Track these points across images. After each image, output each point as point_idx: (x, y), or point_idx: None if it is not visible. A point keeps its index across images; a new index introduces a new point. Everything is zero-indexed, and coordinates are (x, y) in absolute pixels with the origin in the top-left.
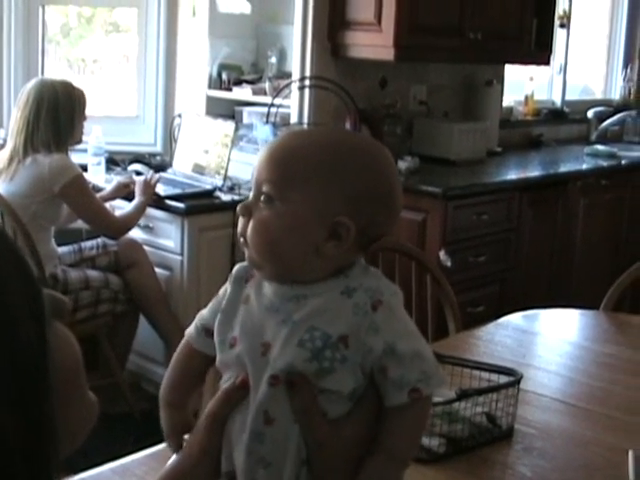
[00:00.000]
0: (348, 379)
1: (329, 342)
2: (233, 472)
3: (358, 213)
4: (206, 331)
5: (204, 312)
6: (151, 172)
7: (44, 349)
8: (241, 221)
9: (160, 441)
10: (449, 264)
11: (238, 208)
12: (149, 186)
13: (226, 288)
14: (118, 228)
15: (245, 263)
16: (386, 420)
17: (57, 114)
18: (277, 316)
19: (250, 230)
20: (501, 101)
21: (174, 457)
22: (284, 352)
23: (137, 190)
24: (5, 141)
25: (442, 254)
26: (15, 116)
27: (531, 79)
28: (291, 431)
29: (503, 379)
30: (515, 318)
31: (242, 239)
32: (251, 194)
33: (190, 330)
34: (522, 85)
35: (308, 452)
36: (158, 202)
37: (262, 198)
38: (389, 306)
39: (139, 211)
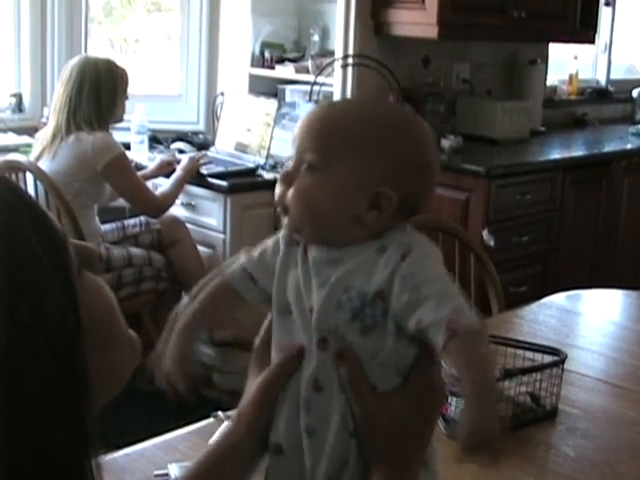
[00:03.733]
0: (392, 333)
1: (366, 300)
2: (280, 445)
3: (399, 184)
4: (250, 277)
5: (253, 258)
6: (203, 152)
7: (73, 301)
8: (280, 188)
9: (202, 418)
10: (492, 243)
11: (279, 176)
12: (195, 164)
13: (277, 242)
14: (158, 207)
15: (284, 228)
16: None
17: (99, 92)
18: (317, 279)
19: (291, 197)
20: (545, 80)
21: (221, 430)
22: (326, 315)
23: (180, 165)
24: (48, 119)
25: (485, 233)
26: (58, 93)
27: (575, 58)
28: (338, 400)
29: (547, 359)
30: (558, 298)
31: (280, 207)
32: (291, 162)
33: (233, 269)
34: (566, 64)
35: (355, 424)
36: (201, 180)
37: (304, 166)
38: (418, 255)
39: (177, 187)
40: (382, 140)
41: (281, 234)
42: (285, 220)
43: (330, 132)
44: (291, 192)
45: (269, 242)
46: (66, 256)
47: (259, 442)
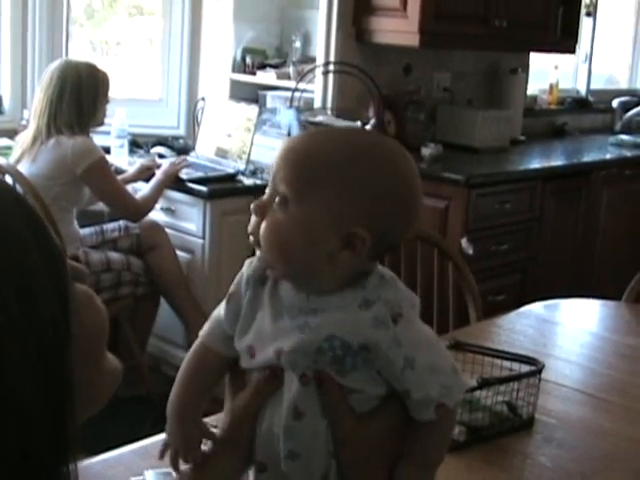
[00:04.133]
0: (372, 378)
1: (350, 350)
2: (264, 463)
3: (374, 223)
4: (222, 332)
5: (220, 314)
6: (182, 156)
7: (65, 309)
8: (253, 219)
9: None
10: (471, 252)
11: (252, 206)
12: (174, 168)
13: (238, 285)
14: (138, 211)
15: (257, 262)
16: (415, 430)
17: (80, 96)
18: (291, 323)
19: (263, 231)
20: (525, 89)
21: (204, 449)
22: (303, 357)
23: (160, 169)
24: (28, 122)
25: (464, 242)
26: (38, 97)
27: (556, 67)
28: (320, 426)
29: (524, 368)
30: (536, 307)
31: (253, 238)
32: (267, 192)
33: (207, 331)
34: (547, 73)
35: (335, 446)
36: (180, 185)
37: (277, 199)
38: (409, 318)
39: (157, 192)
40: (357, 177)
41: (245, 275)
42: (258, 251)
43: (304, 166)
44: (263, 226)
45: (232, 289)
46: (62, 265)
47: (242, 461)
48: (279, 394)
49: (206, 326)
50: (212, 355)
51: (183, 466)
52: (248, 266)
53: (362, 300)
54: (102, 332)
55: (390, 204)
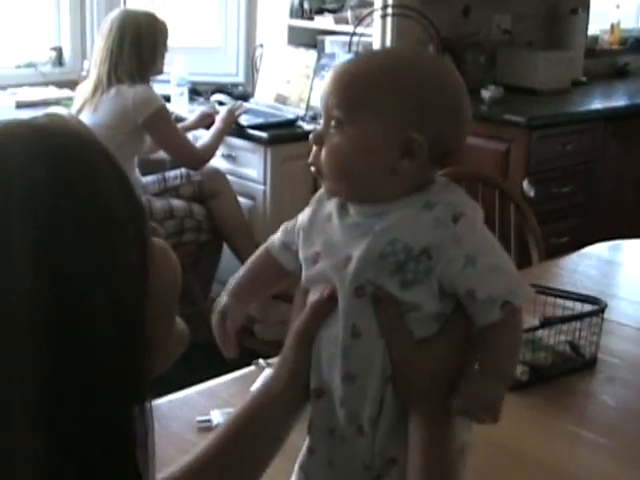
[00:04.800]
0: (434, 293)
1: (412, 254)
2: (321, 388)
3: (427, 127)
4: (285, 245)
5: (288, 226)
6: (239, 102)
7: (145, 260)
8: (313, 149)
9: (245, 366)
10: (532, 194)
11: (310, 137)
12: (232, 115)
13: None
14: (198, 160)
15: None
16: (483, 340)
17: (140, 45)
18: (358, 230)
19: (324, 157)
20: (586, 30)
21: (263, 377)
22: (367, 264)
23: (218, 117)
24: (89, 72)
25: (525, 184)
26: (98, 46)
27: (617, 7)
28: (377, 346)
29: (587, 308)
30: (599, 248)
31: (314, 168)
32: (321, 122)
33: (273, 239)
34: (608, 14)
35: (393, 370)
36: (240, 131)
37: (332, 124)
38: (470, 219)
39: (217, 139)
40: (403, 85)
41: (317, 195)
42: (322, 181)
43: (351, 85)
44: (323, 153)
45: (305, 210)
46: (144, 217)
47: (300, 389)
48: (335, 316)
49: (276, 235)
50: (273, 262)
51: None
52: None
53: (425, 202)
54: (176, 286)
55: (437, 105)
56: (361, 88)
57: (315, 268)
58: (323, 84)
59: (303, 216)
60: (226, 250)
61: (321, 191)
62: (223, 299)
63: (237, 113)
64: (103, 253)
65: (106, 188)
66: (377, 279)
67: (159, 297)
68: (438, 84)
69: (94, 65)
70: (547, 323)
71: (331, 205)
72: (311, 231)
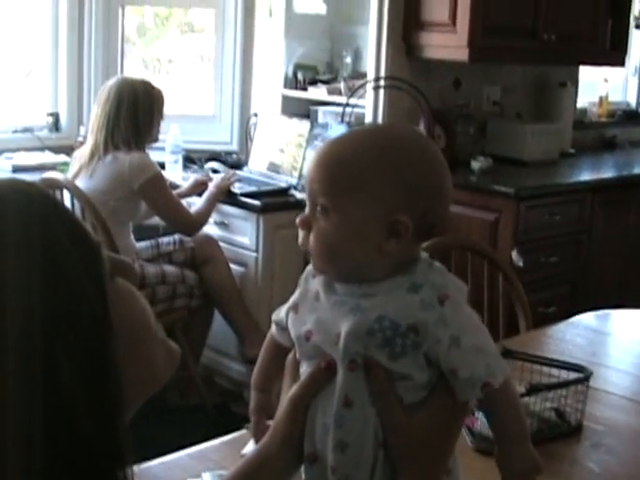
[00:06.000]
0: (420, 364)
1: (399, 330)
2: (315, 454)
3: (412, 207)
4: (282, 328)
5: (281, 311)
6: (232, 171)
7: (105, 305)
8: (301, 233)
9: (234, 430)
10: (521, 264)
11: (297, 222)
12: (226, 182)
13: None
14: (193, 225)
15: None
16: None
17: (137, 112)
18: (346, 308)
19: (312, 241)
20: (575, 102)
21: (253, 443)
22: (356, 339)
23: (212, 183)
24: (85, 138)
25: (514, 254)
26: (96, 113)
27: (606, 80)
28: (369, 414)
29: (573, 376)
30: (587, 317)
31: (303, 249)
32: (307, 204)
33: (274, 328)
34: (596, 86)
35: (384, 435)
36: (233, 199)
37: (318, 209)
38: (455, 300)
39: (210, 205)
40: (387, 169)
41: (303, 275)
42: (311, 260)
43: (334, 172)
44: (311, 238)
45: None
46: (100, 263)
47: (293, 454)
48: (331, 387)
49: (274, 320)
50: (275, 343)
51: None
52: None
53: (410, 284)
54: (144, 316)
55: (422, 186)
56: (344, 175)
57: (309, 344)
58: (308, 168)
59: (292, 298)
60: (217, 316)
61: (308, 269)
62: (252, 397)
63: (231, 180)
64: (56, 306)
65: (55, 242)
66: (366, 351)
67: (128, 338)
68: (422, 165)
69: (91, 131)
70: (533, 390)
71: (317, 283)
72: (301, 310)
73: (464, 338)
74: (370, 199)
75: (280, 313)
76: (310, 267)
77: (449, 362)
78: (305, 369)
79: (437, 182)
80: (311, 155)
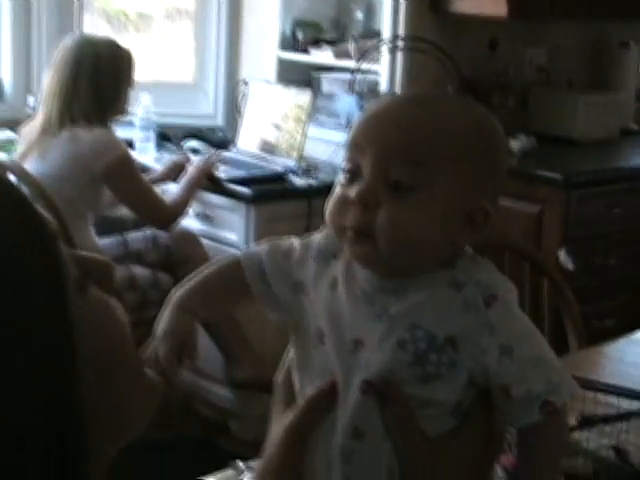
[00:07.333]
0: (456, 387)
1: (435, 344)
2: None
3: (492, 193)
4: (264, 276)
5: (275, 255)
6: (217, 151)
7: (67, 321)
8: (358, 212)
9: (219, 468)
10: (571, 267)
11: (356, 197)
12: (208, 164)
13: (306, 249)
14: (168, 217)
15: (332, 238)
16: (521, 445)
17: (100, 79)
18: (370, 309)
19: (384, 226)
20: (639, 67)
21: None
22: (380, 353)
23: (191, 166)
24: (36, 110)
25: (562, 254)
26: (49, 79)
27: None
28: (382, 449)
29: (635, 406)
30: None
31: (356, 234)
32: (368, 177)
33: (251, 256)
34: None
35: (402, 475)
36: (218, 186)
37: (391, 183)
38: (504, 303)
39: (189, 192)
40: (483, 145)
41: (316, 242)
42: (360, 248)
43: (425, 139)
44: (383, 222)
45: (296, 244)
46: (60, 265)
47: None
48: (334, 414)
49: (252, 250)
50: (241, 282)
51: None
52: (325, 237)
53: (451, 280)
54: (123, 341)
55: (503, 168)
56: (438, 147)
57: (323, 349)
58: (365, 122)
59: (301, 269)
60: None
61: (326, 243)
62: (170, 315)
63: (214, 162)
64: (12, 328)
65: (7, 244)
66: (391, 373)
67: (99, 369)
68: (503, 143)
69: (43, 102)
70: (586, 423)
71: (337, 269)
72: (315, 297)
73: (517, 347)
74: (460, 180)
75: (275, 260)
76: (329, 242)
77: (499, 377)
78: (300, 387)
79: (504, 168)
80: (314, 131)
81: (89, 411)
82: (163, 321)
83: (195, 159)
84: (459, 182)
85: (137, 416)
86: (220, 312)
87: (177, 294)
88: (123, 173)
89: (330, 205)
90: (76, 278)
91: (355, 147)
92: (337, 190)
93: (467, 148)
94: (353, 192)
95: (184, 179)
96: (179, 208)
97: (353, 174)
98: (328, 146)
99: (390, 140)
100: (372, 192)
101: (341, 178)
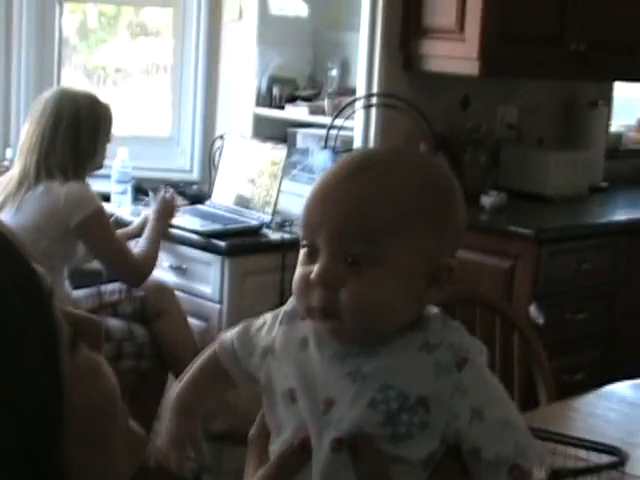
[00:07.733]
0: (427, 446)
1: (407, 404)
2: None
3: (451, 249)
4: (235, 354)
5: (243, 333)
6: (171, 189)
7: (57, 381)
8: (322, 292)
9: None
10: (541, 321)
11: (316, 278)
12: (169, 205)
13: (275, 319)
14: (138, 274)
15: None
16: None
17: (78, 133)
18: (343, 368)
19: (345, 301)
20: (608, 126)
21: None
22: (351, 413)
23: (152, 214)
24: (12, 162)
25: (533, 309)
26: (27, 131)
27: None
28: None
29: (605, 459)
30: (621, 388)
31: (322, 314)
32: (325, 255)
33: (225, 342)
34: (634, 107)
35: None
36: (194, 239)
37: (350, 260)
38: (476, 365)
39: (154, 241)
40: (432, 207)
41: (284, 308)
42: (328, 326)
43: (375, 214)
44: (345, 300)
45: (267, 317)
46: (53, 323)
47: None
48: (306, 471)
49: (227, 336)
50: (220, 370)
51: None
52: (291, 302)
53: (422, 342)
54: (112, 404)
55: (460, 223)
56: (388, 218)
57: (295, 408)
58: (316, 197)
59: (269, 335)
60: (173, 381)
61: (290, 307)
62: (173, 422)
63: (172, 201)
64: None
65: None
66: (361, 430)
67: (84, 430)
68: (457, 197)
69: (20, 153)
70: (556, 476)
71: (307, 328)
72: (283, 358)
73: (488, 410)
74: (417, 244)
75: (245, 340)
76: (292, 304)
77: (470, 439)
78: (276, 443)
79: (465, 218)
80: (289, 185)
81: (73, 467)
82: (168, 428)
83: (150, 210)
84: (417, 246)
85: (121, 471)
86: (216, 401)
87: (174, 399)
88: (96, 228)
89: (294, 285)
90: (69, 336)
91: (309, 227)
92: (299, 269)
93: (419, 211)
94: (314, 272)
95: (147, 230)
96: (149, 262)
97: (312, 252)
98: (302, 201)
99: (341, 219)
100: (331, 272)
101: (301, 256)
